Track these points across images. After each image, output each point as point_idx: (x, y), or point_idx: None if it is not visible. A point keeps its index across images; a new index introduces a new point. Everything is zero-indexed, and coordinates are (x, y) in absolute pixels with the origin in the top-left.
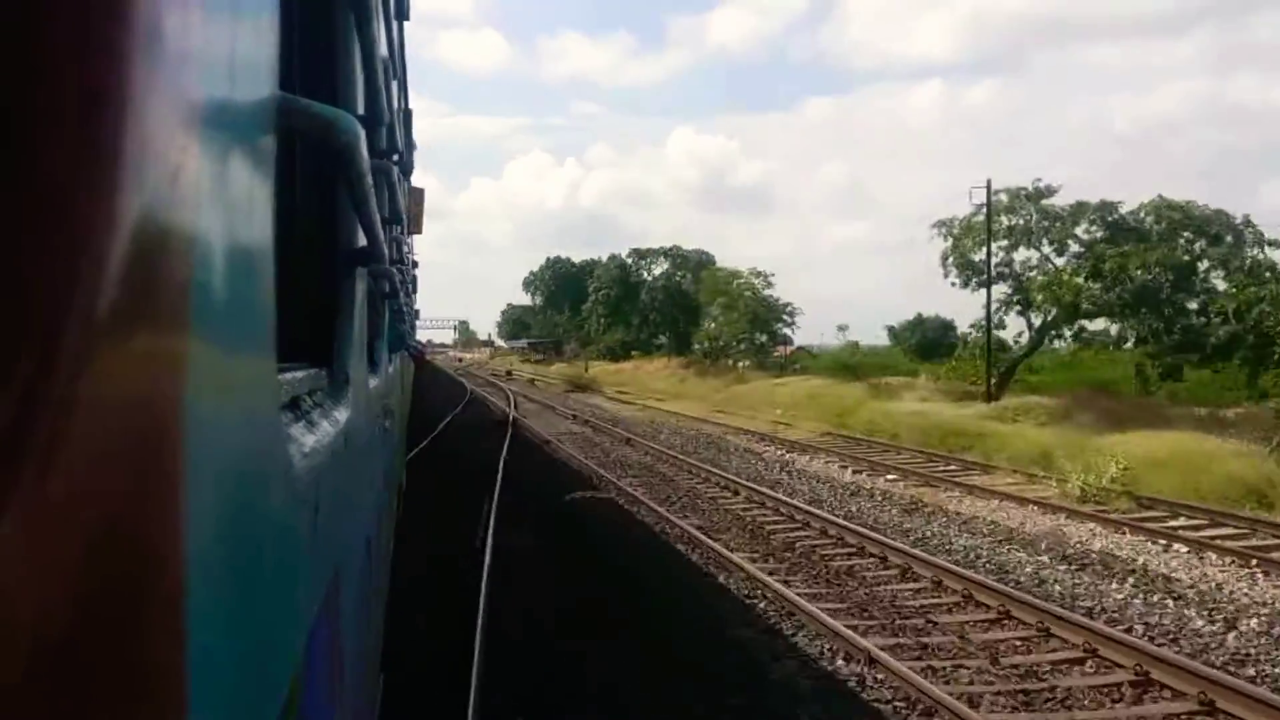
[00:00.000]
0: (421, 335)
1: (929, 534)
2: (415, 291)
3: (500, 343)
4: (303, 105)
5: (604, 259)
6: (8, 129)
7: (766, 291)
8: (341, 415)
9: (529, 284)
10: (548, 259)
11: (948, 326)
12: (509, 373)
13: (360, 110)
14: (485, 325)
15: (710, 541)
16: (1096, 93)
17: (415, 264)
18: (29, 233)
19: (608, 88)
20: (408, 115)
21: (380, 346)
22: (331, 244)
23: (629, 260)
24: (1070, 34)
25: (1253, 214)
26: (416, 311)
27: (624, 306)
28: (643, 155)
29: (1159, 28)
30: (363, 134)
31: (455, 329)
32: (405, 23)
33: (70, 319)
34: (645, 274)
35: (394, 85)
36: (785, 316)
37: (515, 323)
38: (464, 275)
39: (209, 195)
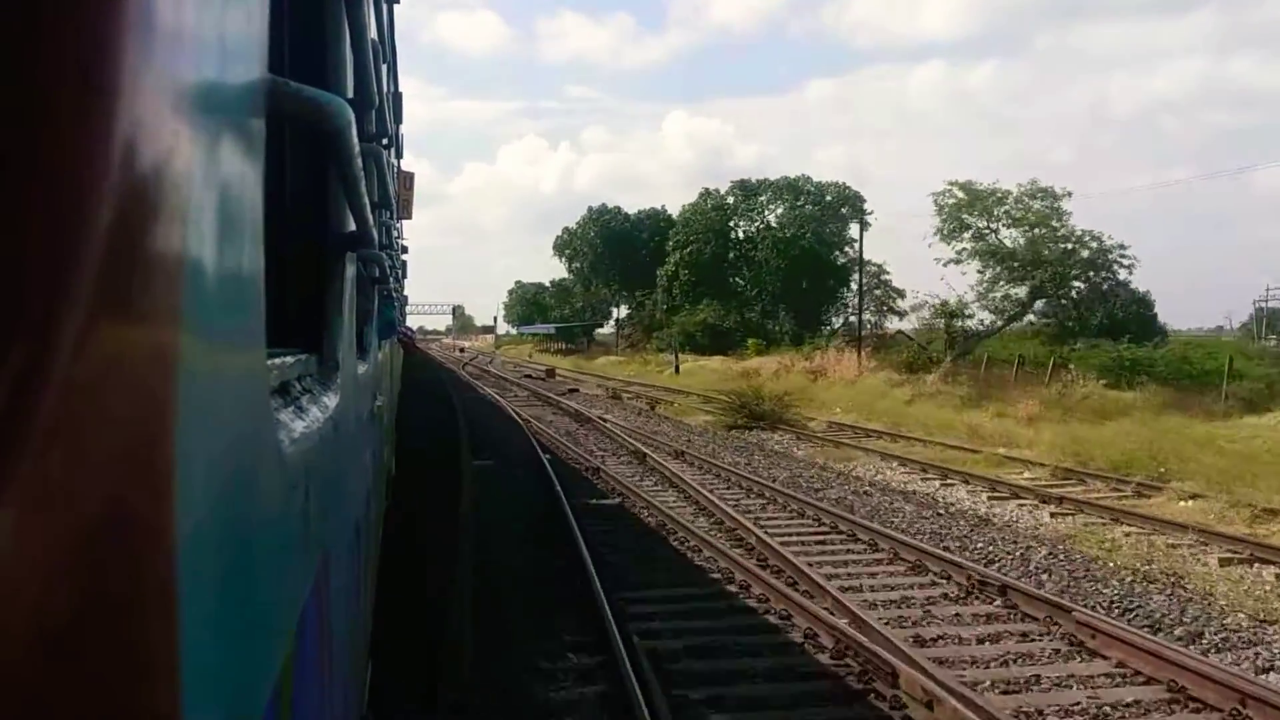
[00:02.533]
0: (414, 321)
1: None
2: (405, 277)
3: (507, 328)
4: (292, 89)
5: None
6: None
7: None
8: (330, 400)
9: (563, 246)
10: (590, 209)
11: None
12: (551, 372)
13: (350, 94)
14: (481, 310)
15: None
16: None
17: (405, 249)
18: (19, 218)
19: (605, 70)
20: (397, 98)
21: (369, 332)
22: (321, 228)
23: (731, 200)
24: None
25: None
26: (405, 297)
27: (723, 269)
28: (638, 138)
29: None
30: (353, 117)
31: (453, 313)
32: (395, 5)
33: (61, 304)
34: (752, 221)
35: (384, 68)
36: (1109, 272)
37: (528, 304)
38: (458, 261)
39: (199, 179)
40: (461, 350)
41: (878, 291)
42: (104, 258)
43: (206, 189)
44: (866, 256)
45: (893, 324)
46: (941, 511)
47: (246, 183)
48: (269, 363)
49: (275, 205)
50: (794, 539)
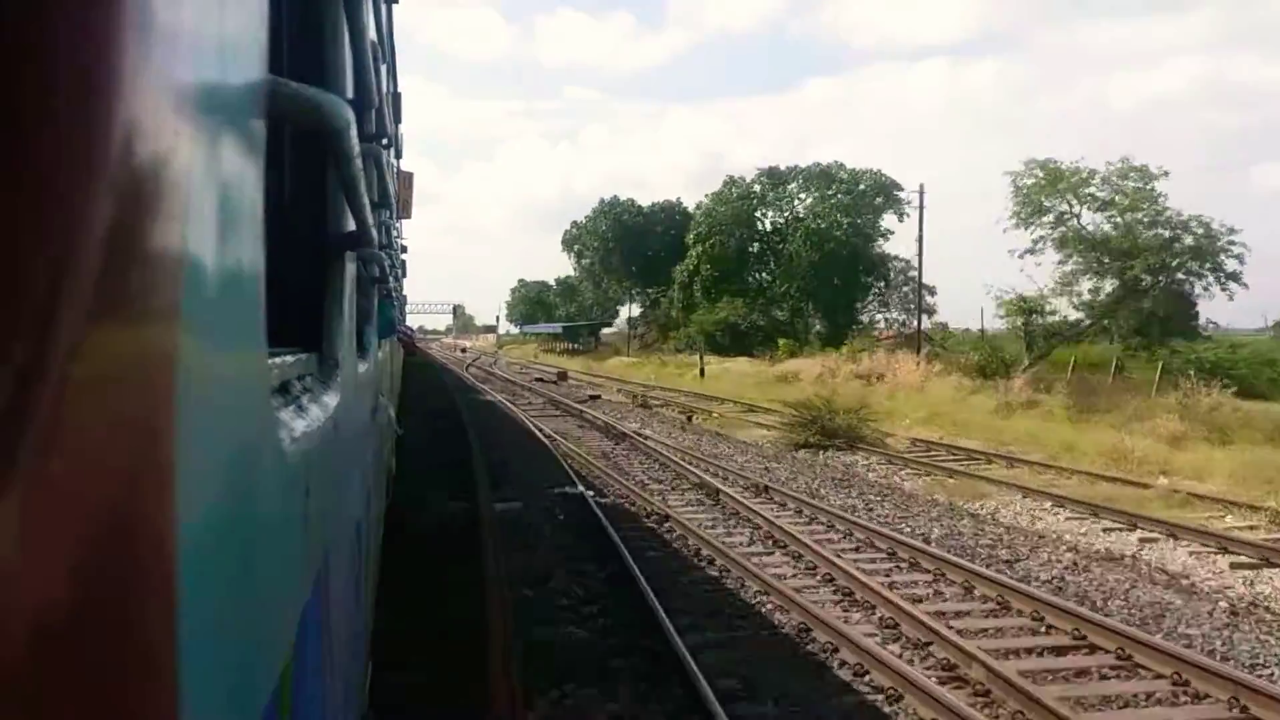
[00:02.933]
0: (414, 321)
1: None
2: (404, 276)
3: (509, 328)
4: (292, 89)
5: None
6: None
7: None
8: (331, 400)
9: (571, 240)
10: (602, 201)
11: None
12: (564, 375)
13: (349, 94)
14: (481, 310)
15: None
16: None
17: (404, 249)
18: (20, 218)
19: (605, 70)
20: (397, 99)
21: (369, 331)
22: (321, 228)
23: (758, 188)
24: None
25: None
26: (405, 297)
27: (747, 264)
28: (638, 139)
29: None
30: (352, 117)
31: (454, 313)
32: (394, 5)
33: (63, 304)
34: (781, 211)
35: (383, 69)
36: (1215, 262)
37: (531, 303)
38: (458, 260)
39: (199, 179)
40: (463, 350)
41: (905, 288)
42: (105, 257)
43: (207, 188)
44: (894, 251)
45: (922, 321)
46: (1235, 608)
47: (246, 182)
48: (269, 362)
49: (275, 205)
50: (1033, 664)
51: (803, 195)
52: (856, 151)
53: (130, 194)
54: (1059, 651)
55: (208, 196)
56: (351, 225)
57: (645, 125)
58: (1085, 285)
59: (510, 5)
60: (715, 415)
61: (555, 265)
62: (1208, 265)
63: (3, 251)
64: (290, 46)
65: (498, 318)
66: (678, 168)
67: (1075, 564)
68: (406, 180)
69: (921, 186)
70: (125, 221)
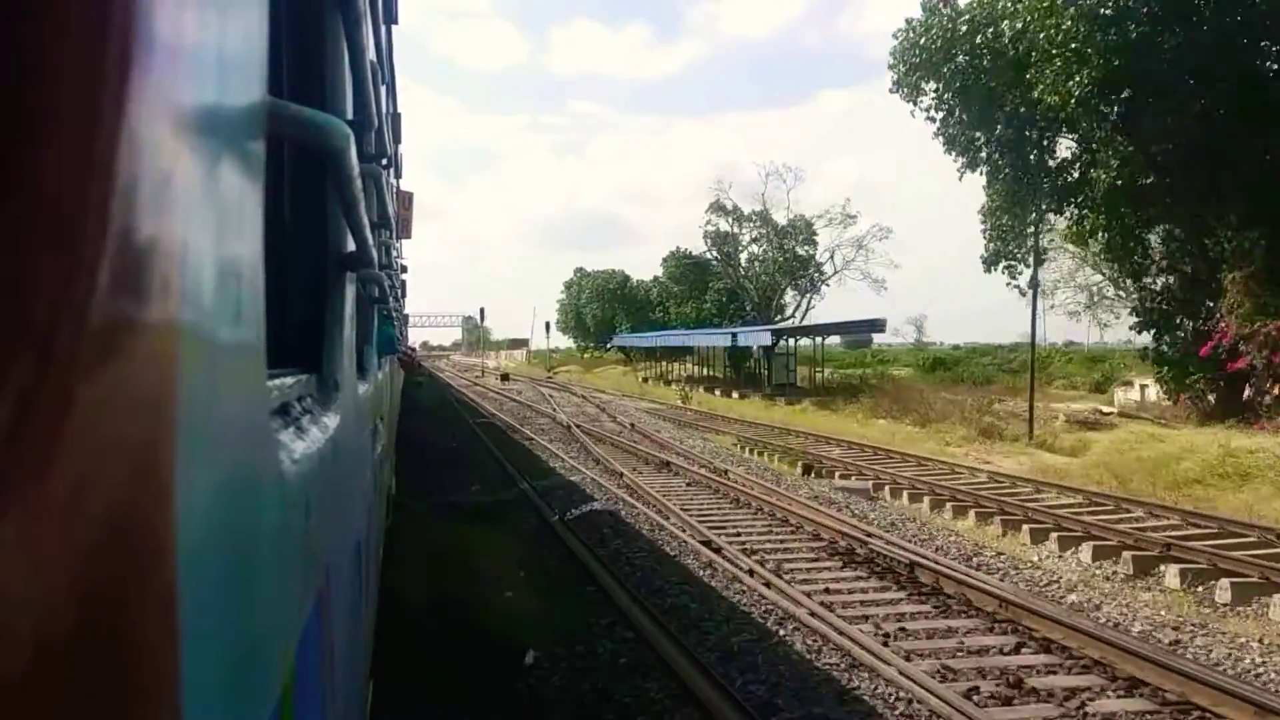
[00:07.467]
0: (420, 335)
1: None
2: (404, 297)
3: (560, 340)
4: (292, 110)
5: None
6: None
7: None
8: (331, 421)
9: (934, 63)
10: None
11: None
12: None
13: (349, 114)
14: (494, 321)
15: None
16: None
17: (404, 268)
18: (22, 237)
19: (618, 83)
20: (396, 119)
21: (369, 352)
22: (321, 249)
23: None
24: None
25: None
26: (406, 316)
27: None
28: (645, 153)
29: None
30: (352, 138)
31: (478, 318)
32: (394, 27)
33: (63, 324)
34: None
35: (383, 90)
36: None
37: (608, 300)
38: (465, 272)
39: (199, 200)
40: (504, 378)
41: None
42: (104, 277)
43: (207, 209)
44: None
45: None
46: None
47: (246, 203)
48: (269, 383)
49: (275, 226)
50: None
51: None
52: (863, 164)
53: (130, 214)
54: None
55: (208, 217)
56: (351, 246)
57: (652, 139)
58: None
59: (525, 18)
60: None
61: (564, 277)
62: None
63: (6, 271)
64: (290, 67)
65: (547, 325)
66: (687, 181)
67: None
68: (406, 200)
69: None
70: (125, 242)
